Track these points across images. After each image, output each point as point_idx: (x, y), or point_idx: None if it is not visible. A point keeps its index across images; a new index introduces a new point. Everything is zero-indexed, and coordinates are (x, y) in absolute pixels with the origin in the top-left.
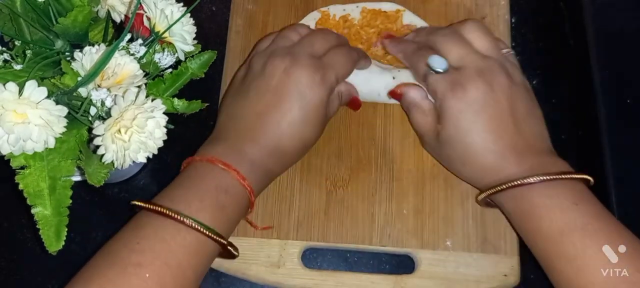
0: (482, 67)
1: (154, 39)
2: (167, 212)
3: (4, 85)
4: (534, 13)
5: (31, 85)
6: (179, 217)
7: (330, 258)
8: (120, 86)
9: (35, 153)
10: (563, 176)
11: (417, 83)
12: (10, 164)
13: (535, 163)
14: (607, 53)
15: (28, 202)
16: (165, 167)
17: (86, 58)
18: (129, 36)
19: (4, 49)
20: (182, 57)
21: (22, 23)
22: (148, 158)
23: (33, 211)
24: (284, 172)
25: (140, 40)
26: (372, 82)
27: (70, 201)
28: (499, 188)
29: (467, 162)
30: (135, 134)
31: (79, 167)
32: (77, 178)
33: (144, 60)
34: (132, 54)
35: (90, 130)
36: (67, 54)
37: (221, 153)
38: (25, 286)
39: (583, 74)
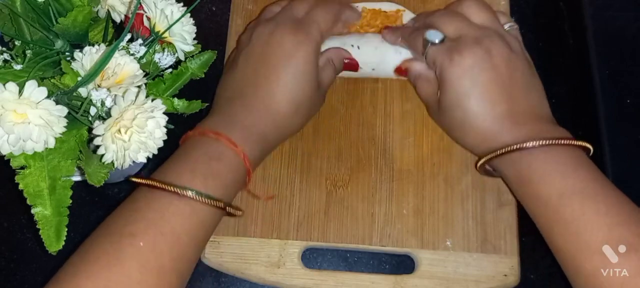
0: (479, 35)
1: (154, 39)
2: (159, 184)
3: (4, 85)
4: (534, 13)
5: (31, 85)
6: (170, 188)
7: (330, 258)
8: (120, 86)
9: (35, 153)
10: (562, 141)
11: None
12: (10, 164)
13: (534, 129)
14: (606, 53)
15: (28, 202)
16: None
17: (86, 58)
18: (129, 36)
19: (4, 49)
20: (182, 57)
21: (22, 23)
22: (148, 158)
23: (33, 211)
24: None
25: (140, 40)
26: (382, 53)
27: (70, 201)
28: (498, 152)
29: (467, 127)
30: (135, 134)
31: (79, 167)
32: (77, 178)
33: (144, 60)
34: (132, 54)
35: (90, 130)
36: (67, 54)
37: (213, 124)
38: (25, 286)
39: (583, 73)
